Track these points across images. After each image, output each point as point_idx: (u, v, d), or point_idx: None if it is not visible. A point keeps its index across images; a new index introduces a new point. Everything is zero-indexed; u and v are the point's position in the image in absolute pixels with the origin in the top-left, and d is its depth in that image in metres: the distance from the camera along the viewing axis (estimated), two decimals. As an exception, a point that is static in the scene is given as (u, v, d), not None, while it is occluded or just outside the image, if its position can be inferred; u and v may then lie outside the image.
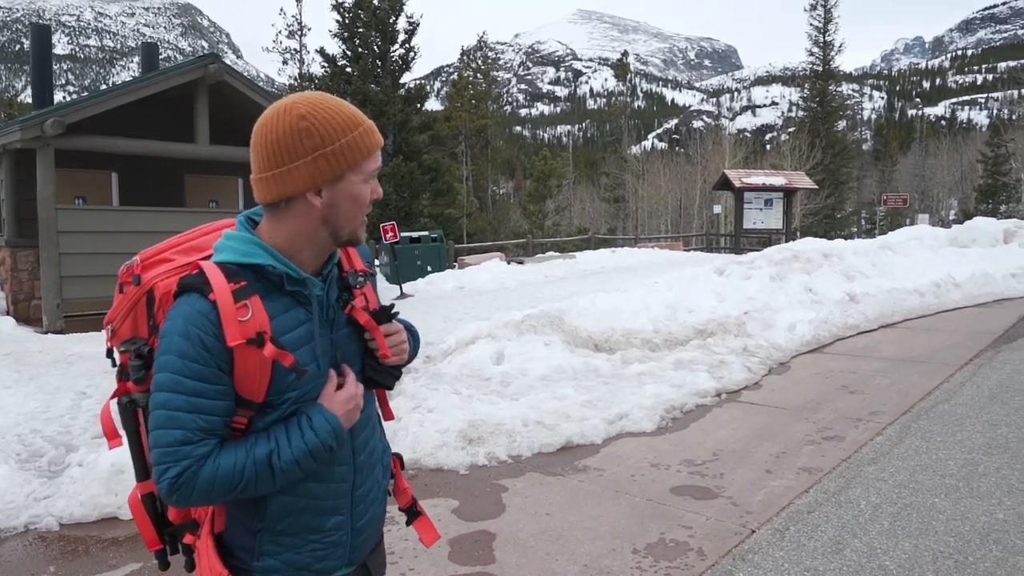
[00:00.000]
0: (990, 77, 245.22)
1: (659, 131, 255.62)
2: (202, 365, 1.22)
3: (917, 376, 6.28)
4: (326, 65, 29.84)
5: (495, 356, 6.81)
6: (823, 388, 6.09)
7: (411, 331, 1.57)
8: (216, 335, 1.22)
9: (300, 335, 1.31)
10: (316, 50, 30.56)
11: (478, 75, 54.52)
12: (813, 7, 54.14)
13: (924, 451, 4.45)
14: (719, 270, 10.60)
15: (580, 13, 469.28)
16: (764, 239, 27.57)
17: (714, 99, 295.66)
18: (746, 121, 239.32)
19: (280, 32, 38.27)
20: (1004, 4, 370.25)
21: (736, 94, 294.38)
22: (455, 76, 57.46)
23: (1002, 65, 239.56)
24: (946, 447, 4.50)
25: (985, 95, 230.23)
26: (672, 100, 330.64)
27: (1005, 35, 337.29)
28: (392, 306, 1.46)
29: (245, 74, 13.04)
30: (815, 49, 54.14)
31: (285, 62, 38.23)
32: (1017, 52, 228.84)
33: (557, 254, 23.65)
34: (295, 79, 37.61)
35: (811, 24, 54.17)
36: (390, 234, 13.91)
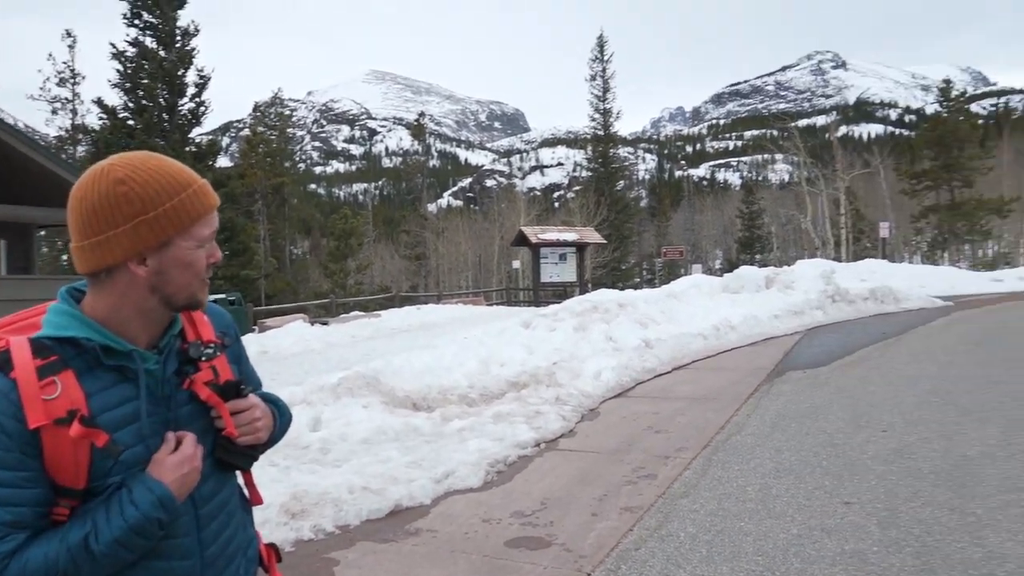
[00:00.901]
0: (739, 143, 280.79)
1: (454, 189, 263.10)
2: (2, 451, 1.10)
3: (711, 412, 6.90)
4: (105, 117, 27.67)
5: (312, 422, 6.54)
6: (632, 430, 6.49)
7: (278, 406, 1.49)
8: (16, 416, 1.11)
9: (124, 413, 1.20)
10: (93, 100, 28.27)
11: (272, 132, 53.11)
12: (593, 78, 59.48)
13: (726, 480, 4.89)
14: (525, 323, 11.02)
15: (374, 73, 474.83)
16: (560, 291, 29.10)
17: (505, 159, 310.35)
18: (536, 180, 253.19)
19: (48, 79, 35.03)
20: (745, 82, 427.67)
21: (525, 155, 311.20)
22: (247, 131, 55.51)
23: (748, 134, 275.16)
24: (743, 475, 4.98)
25: (737, 159, 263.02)
26: (466, 160, 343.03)
27: (749, 108, 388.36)
28: (242, 381, 1.39)
29: None
30: (596, 115, 59.30)
31: (55, 112, 34.99)
32: (759, 123, 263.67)
33: (362, 313, 23.29)
34: (67, 131, 34.46)
35: (592, 93, 59.43)
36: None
